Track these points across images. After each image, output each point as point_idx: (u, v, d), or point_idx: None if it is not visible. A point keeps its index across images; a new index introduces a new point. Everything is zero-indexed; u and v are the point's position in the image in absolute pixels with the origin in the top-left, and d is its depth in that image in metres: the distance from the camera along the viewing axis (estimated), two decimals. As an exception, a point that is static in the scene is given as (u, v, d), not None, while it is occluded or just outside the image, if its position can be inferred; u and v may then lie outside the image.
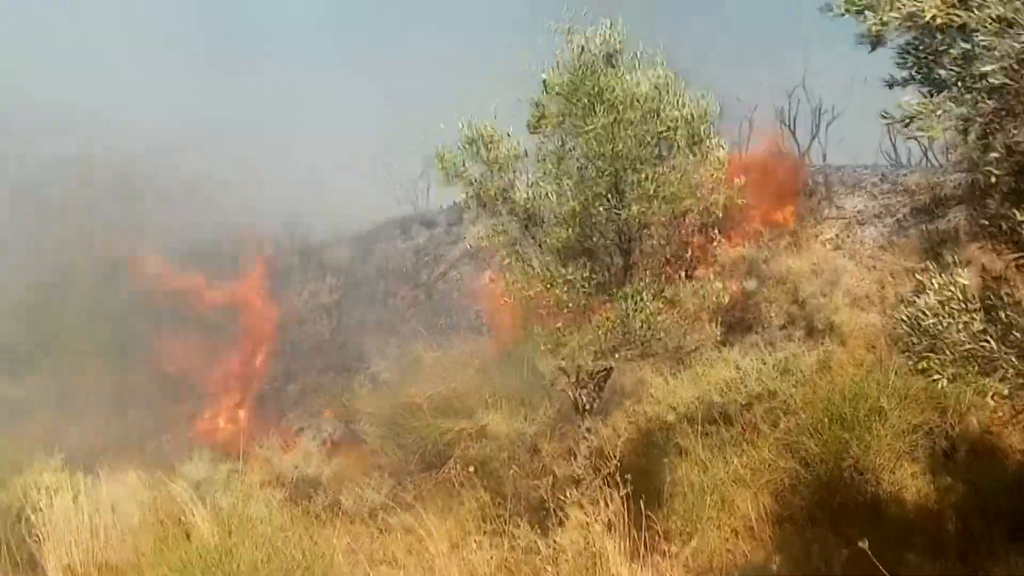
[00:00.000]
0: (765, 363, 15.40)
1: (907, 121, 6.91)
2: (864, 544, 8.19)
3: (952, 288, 7.38)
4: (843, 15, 7.05)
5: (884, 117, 7.07)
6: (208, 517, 11.13)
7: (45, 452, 13.85)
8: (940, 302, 7.39)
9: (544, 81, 10.99)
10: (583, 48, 10.92)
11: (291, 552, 10.73)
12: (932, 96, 6.98)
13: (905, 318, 7.60)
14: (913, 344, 7.55)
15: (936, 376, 7.44)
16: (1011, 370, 7.18)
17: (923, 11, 6.53)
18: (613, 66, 10.89)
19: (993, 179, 7.29)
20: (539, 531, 11.22)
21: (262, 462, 17.50)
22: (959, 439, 13.00)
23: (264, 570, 10.40)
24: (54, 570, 11.58)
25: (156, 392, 25.59)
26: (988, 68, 6.36)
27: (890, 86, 7.44)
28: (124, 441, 22.36)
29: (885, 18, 6.77)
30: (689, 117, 10.91)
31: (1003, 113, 6.79)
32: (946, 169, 21.56)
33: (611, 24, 10.95)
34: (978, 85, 6.58)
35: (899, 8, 6.66)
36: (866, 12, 6.87)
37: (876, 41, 7.17)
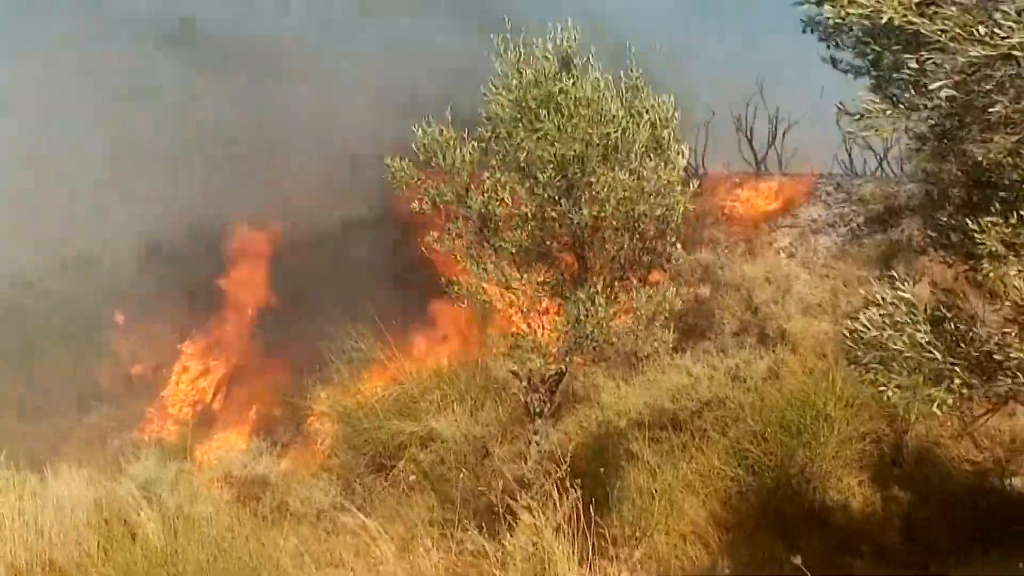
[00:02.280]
0: (716, 370, 15.46)
1: (859, 116, 6.97)
2: (797, 560, 8.24)
3: (898, 301, 7.44)
4: (802, 3, 7.11)
5: (839, 108, 7.11)
6: (154, 517, 11.05)
7: (-7, 451, 13.71)
8: (885, 315, 7.45)
9: (489, 99, 10.99)
10: (530, 54, 10.92)
11: (237, 553, 10.67)
12: (886, 97, 7.03)
13: (849, 331, 7.67)
14: (859, 357, 7.62)
15: (883, 387, 7.50)
16: (957, 380, 7.25)
17: (882, 12, 6.57)
18: (568, 69, 10.89)
19: (946, 191, 7.37)
20: (488, 535, 11.19)
21: (210, 462, 17.40)
22: (906, 448, 13.10)
23: (210, 571, 10.34)
24: (-2, 569, 11.46)
25: (115, 390, 25.45)
26: (936, 85, 6.41)
27: (849, 73, 7.50)
28: (78, 440, 22.25)
29: (843, 13, 6.82)
30: (648, 121, 10.92)
31: (955, 126, 6.85)
32: (900, 180, 21.76)
33: (562, 28, 10.95)
34: (931, 100, 6.63)
35: (858, 4, 6.70)
36: (825, 4, 6.91)
37: (832, 36, 7.25)
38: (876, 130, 6.99)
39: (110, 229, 28.48)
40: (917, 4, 6.47)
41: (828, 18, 6.98)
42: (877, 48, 7.15)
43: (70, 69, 30.34)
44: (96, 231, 28.52)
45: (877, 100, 6.98)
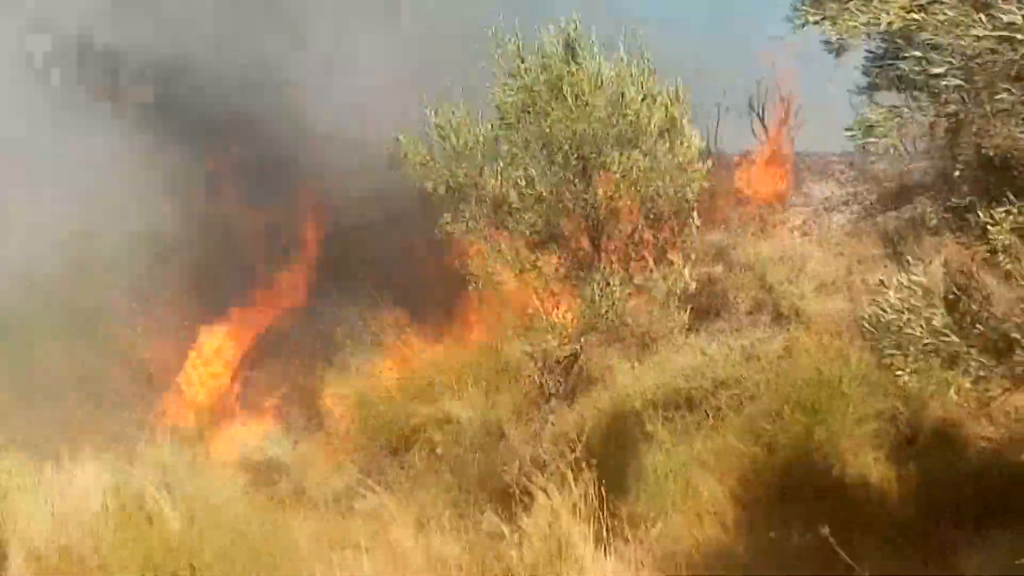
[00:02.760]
0: (731, 349, 15.45)
1: (866, 130, 6.97)
2: (826, 531, 8.24)
3: (913, 285, 7.43)
4: (803, 26, 7.09)
5: (848, 131, 7.13)
6: (171, 503, 11.09)
7: (8, 437, 13.76)
8: (901, 299, 7.44)
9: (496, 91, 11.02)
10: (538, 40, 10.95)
11: (254, 537, 10.71)
12: (898, 100, 7.04)
13: (867, 315, 7.65)
14: (877, 341, 7.61)
15: (899, 372, 7.50)
16: (973, 363, 7.23)
17: (879, 19, 6.56)
18: (574, 53, 10.90)
19: (957, 174, 7.34)
20: (504, 516, 11.22)
21: (227, 447, 17.46)
22: (922, 426, 13.07)
23: (227, 555, 10.37)
24: (16, 556, 11.51)
25: (125, 376, 25.47)
26: (938, 70, 6.39)
27: (858, 94, 7.49)
28: (92, 425, 22.27)
29: (845, 28, 6.81)
30: (664, 101, 10.94)
31: (964, 114, 6.82)
32: (914, 157, 21.67)
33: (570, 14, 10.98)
34: (940, 88, 6.61)
35: (857, 17, 6.70)
36: (825, 22, 6.90)
37: (840, 49, 7.23)
38: (884, 138, 7.00)
39: (119, 218, 28.46)
40: (916, 6, 6.46)
41: (833, 37, 6.98)
42: (880, 56, 7.16)
43: (69, 55, 30.29)
44: (104, 221, 28.50)
45: (880, 109, 6.99)
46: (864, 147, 7.18)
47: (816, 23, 6.97)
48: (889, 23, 6.51)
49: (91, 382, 24.98)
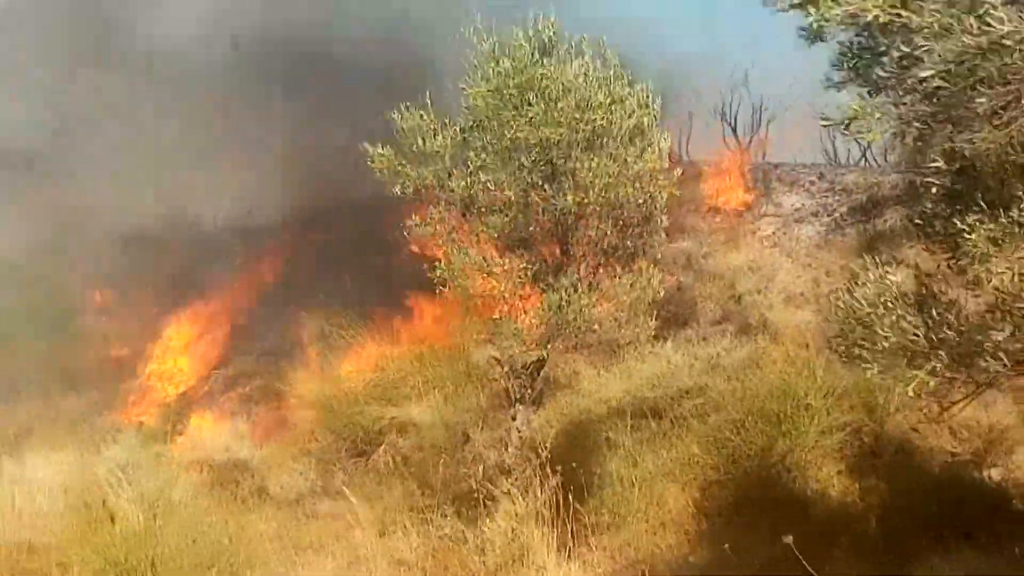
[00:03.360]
0: (696, 358, 15.48)
1: (846, 123, 6.94)
2: (789, 540, 8.26)
3: (886, 282, 7.46)
4: (787, 10, 7.05)
5: (823, 119, 7.09)
6: (133, 500, 11.04)
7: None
8: (875, 294, 7.47)
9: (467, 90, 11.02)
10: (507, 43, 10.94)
11: (216, 536, 10.67)
12: (871, 96, 7.00)
13: (841, 306, 7.67)
14: (847, 333, 7.63)
15: (866, 366, 7.52)
16: (939, 365, 7.26)
17: (866, 10, 6.54)
18: (548, 55, 10.89)
19: (929, 181, 7.36)
20: (468, 520, 11.22)
21: (190, 446, 17.37)
22: (886, 438, 13.12)
23: (188, 553, 10.33)
24: (-25, 550, 11.43)
25: (94, 373, 25.32)
26: (926, 73, 6.39)
27: (828, 88, 7.47)
28: (58, 422, 22.15)
29: (827, 15, 6.79)
30: (630, 107, 10.94)
31: (940, 116, 6.83)
32: (884, 170, 21.77)
33: (542, 15, 10.96)
34: (917, 88, 6.61)
35: (842, 5, 6.68)
36: (808, 7, 6.87)
37: (816, 37, 7.20)
38: (864, 133, 6.97)
39: (90, 211, 28.31)
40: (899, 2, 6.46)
41: (812, 21, 6.95)
42: (861, 52, 7.14)
43: (53, 50, 30.15)
44: (76, 213, 28.35)
45: (864, 103, 6.96)
46: (835, 145, 7.18)
47: (797, 6, 6.95)
48: (875, 16, 6.50)
49: (58, 376, 24.84)
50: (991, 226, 6.64)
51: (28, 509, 11.79)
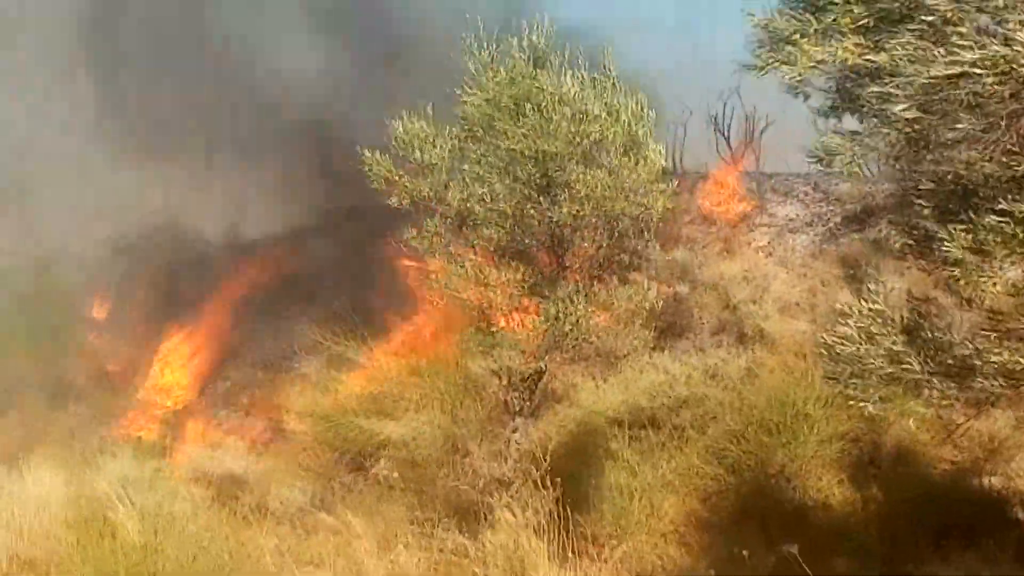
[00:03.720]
0: (694, 368, 15.50)
1: (829, 160, 7.02)
2: (794, 549, 8.27)
3: (871, 314, 7.47)
4: (763, 72, 7.14)
5: (809, 157, 7.19)
6: (132, 515, 11.00)
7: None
8: (861, 328, 7.47)
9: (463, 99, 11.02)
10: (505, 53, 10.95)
11: (217, 552, 10.64)
12: (857, 127, 7.10)
13: (826, 347, 7.69)
14: (837, 373, 7.65)
15: (862, 404, 7.54)
16: (935, 391, 7.28)
17: (836, 57, 6.63)
18: (541, 68, 10.89)
19: (920, 203, 7.41)
20: (468, 533, 11.20)
21: (188, 461, 17.34)
22: (884, 448, 13.14)
23: (189, 570, 10.30)
24: (-25, 567, 11.40)
25: (91, 387, 25.29)
26: (900, 107, 6.45)
27: (819, 116, 7.54)
28: (56, 436, 22.11)
29: (800, 69, 6.88)
30: (625, 120, 10.95)
31: (922, 144, 6.89)
32: (877, 180, 21.81)
33: (537, 27, 10.96)
34: (896, 124, 6.68)
35: (812, 57, 6.76)
36: (783, 67, 6.96)
37: (803, 93, 7.30)
38: (844, 168, 7.07)
39: (82, 225, 28.30)
40: (871, 44, 6.52)
41: (792, 78, 7.03)
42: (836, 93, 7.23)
43: (40, 64, 30.15)
44: (68, 227, 28.34)
45: (840, 139, 7.05)
46: (825, 172, 7.28)
47: (775, 67, 7.03)
48: (844, 59, 6.58)
49: (54, 390, 24.82)
50: (973, 235, 6.67)
51: (28, 525, 11.74)
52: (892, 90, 6.44)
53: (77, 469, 14.11)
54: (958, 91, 6.24)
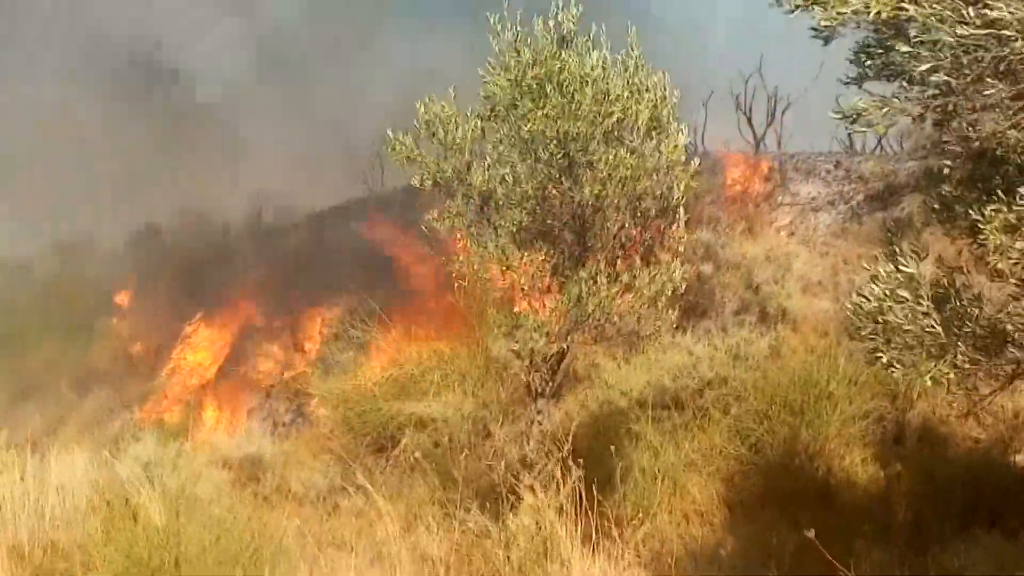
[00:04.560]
0: (717, 349, 15.45)
1: (855, 117, 6.92)
2: (811, 534, 8.21)
3: (900, 276, 7.41)
4: (793, 11, 7.02)
5: (834, 114, 7.07)
6: (155, 498, 11.01)
7: (-8, 429, 13.69)
8: (888, 289, 7.42)
9: (486, 79, 10.98)
10: (529, 33, 10.89)
11: (239, 534, 10.64)
12: (887, 91, 6.98)
13: (852, 304, 7.64)
14: (861, 330, 7.59)
15: (884, 361, 7.48)
16: (961, 357, 7.21)
17: (869, 7, 6.52)
18: (567, 48, 10.83)
19: (947, 169, 7.32)
20: (491, 515, 11.17)
21: (210, 444, 17.39)
22: (909, 426, 13.08)
23: (212, 552, 10.30)
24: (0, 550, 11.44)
25: (115, 371, 25.45)
26: (925, 66, 6.37)
27: (847, 84, 7.43)
28: (79, 421, 22.26)
29: (834, 14, 6.77)
30: (649, 100, 10.88)
31: (951, 107, 6.80)
32: (900, 157, 21.70)
33: (562, 6, 10.89)
34: (926, 81, 6.58)
35: (847, 3, 6.66)
36: (814, 7, 6.85)
37: (828, 36, 7.18)
38: (873, 126, 6.95)
39: (105, 211, 28.48)
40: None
41: (821, 21, 6.93)
42: (869, 46, 7.11)
43: (63, 51, 30.32)
44: (91, 214, 28.53)
45: (870, 98, 6.94)
46: (850, 134, 7.18)
47: (804, 8, 6.92)
48: (877, 12, 6.47)
49: (77, 375, 24.98)
50: (1009, 215, 6.59)
51: (51, 508, 11.78)
52: (922, 50, 6.37)
53: (100, 453, 14.16)
54: (987, 53, 6.16)
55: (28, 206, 28.75)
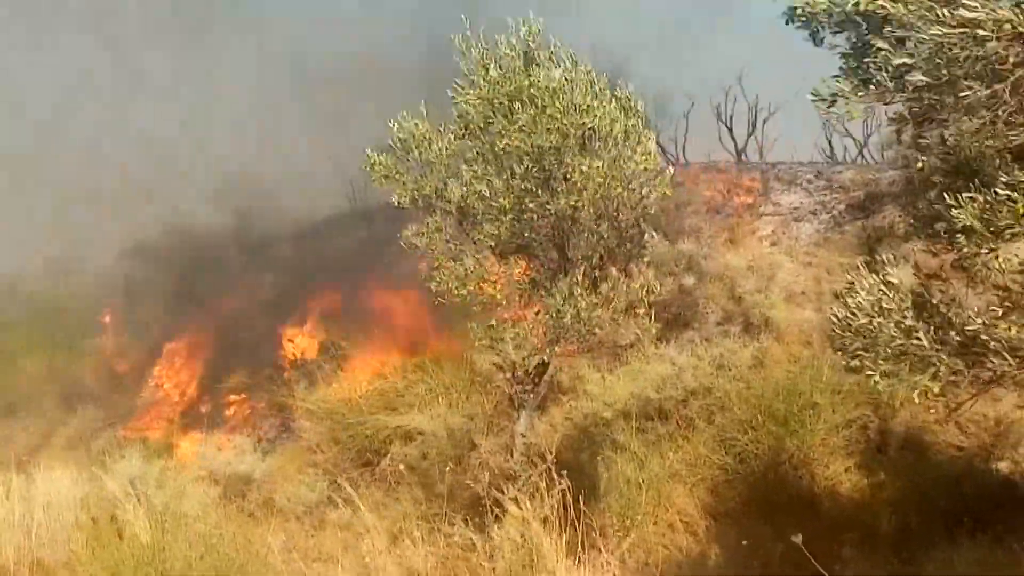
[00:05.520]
0: (701, 359, 15.48)
1: (832, 100, 6.96)
2: (798, 539, 8.24)
3: (883, 287, 7.44)
4: None
5: (813, 95, 7.11)
6: (141, 515, 11.01)
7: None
8: (871, 302, 7.45)
9: (457, 98, 11.03)
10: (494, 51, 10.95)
11: (225, 550, 10.63)
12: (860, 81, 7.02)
13: (837, 317, 7.67)
14: (846, 344, 7.62)
15: (869, 373, 7.50)
16: (943, 367, 7.25)
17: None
18: (535, 64, 10.88)
19: (928, 175, 7.37)
20: (476, 527, 11.18)
21: (196, 459, 17.37)
22: (892, 434, 13.13)
23: (198, 568, 10.30)
24: (-15, 569, 11.42)
25: (101, 388, 25.40)
26: (900, 60, 6.41)
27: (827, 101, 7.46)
28: (64, 438, 22.23)
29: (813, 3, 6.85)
30: (616, 110, 10.93)
31: (930, 109, 6.85)
32: (881, 166, 21.80)
33: (523, 22, 10.95)
34: (904, 81, 6.63)
35: None
36: None
37: (802, 22, 7.22)
38: (849, 113, 6.98)
39: (91, 230, 28.48)
40: None
41: (802, 4, 6.97)
42: (850, 35, 7.14)
43: (52, 71, 30.38)
44: (77, 232, 28.53)
45: (849, 83, 6.97)
46: (831, 142, 7.20)
47: None
48: (855, 3, 6.52)
49: (62, 392, 24.94)
50: (982, 206, 6.63)
51: (37, 525, 11.77)
52: (899, 49, 6.40)
53: (86, 469, 14.14)
54: (962, 53, 6.20)
55: (15, 221, 28.75)
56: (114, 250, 28.82)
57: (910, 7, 6.26)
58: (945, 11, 6.15)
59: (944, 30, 6.15)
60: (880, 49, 6.60)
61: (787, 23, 7.43)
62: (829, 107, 7.00)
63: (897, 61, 6.40)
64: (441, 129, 11.21)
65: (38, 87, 31.00)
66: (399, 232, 11.84)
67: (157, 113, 33.66)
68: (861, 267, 7.76)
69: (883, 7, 6.45)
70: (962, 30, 6.11)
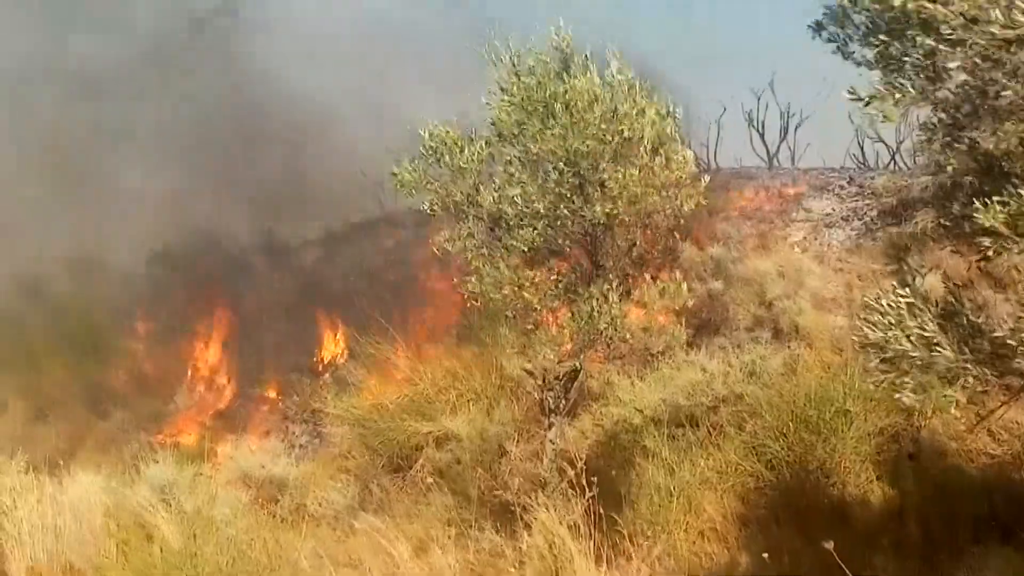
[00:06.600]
0: (731, 365, 15.44)
1: (868, 100, 6.90)
2: (829, 545, 8.22)
3: (903, 303, 7.38)
4: None
5: (850, 93, 7.05)
6: (171, 519, 11.08)
7: (10, 454, 13.74)
8: (894, 320, 7.38)
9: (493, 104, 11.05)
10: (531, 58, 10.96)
11: (256, 555, 10.69)
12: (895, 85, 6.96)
13: (859, 338, 7.60)
14: (872, 364, 7.56)
15: (897, 392, 7.44)
16: (971, 377, 7.19)
17: None
18: (568, 70, 10.89)
19: (956, 181, 7.32)
20: (505, 534, 11.20)
21: (228, 465, 17.44)
22: (924, 442, 13.05)
23: (228, 573, 10.36)
24: (17, 572, 11.50)
25: (131, 393, 25.47)
26: (953, 64, 6.35)
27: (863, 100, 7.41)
28: (96, 442, 22.31)
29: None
30: (652, 116, 10.91)
31: (967, 112, 6.80)
32: (913, 172, 21.67)
33: (557, 29, 10.97)
34: (942, 83, 6.58)
35: None
36: None
37: (841, 25, 7.18)
38: (884, 114, 6.93)
39: (117, 232, 28.54)
40: None
41: (838, 5, 6.93)
42: (885, 38, 7.06)
43: (73, 66, 30.47)
44: (103, 234, 28.58)
45: (886, 85, 6.92)
46: (862, 148, 7.14)
47: None
48: (902, 3, 6.46)
49: (97, 396, 25.04)
50: (1009, 210, 6.57)
51: (68, 530, 11.84)
52: (945, 48, 6.36)
53: (117, 475, 14.22)
54: (1010, 58, 6.15)
55: (39, 223, 28.85)
56: (140, 252, 28.86)
57: (960, 8, 6.20)
58: (998, 14, 6.09)
59: (998, 33, 6.09)
60: (925, 48, 6.54)
61: (814, 37, 7.40)
62: (866, 105, 6.93)
63: (951, 64, 6.34)
64: (472, 136, 11.22)
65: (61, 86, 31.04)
66: (429, 237, 11.88)
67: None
68: (886, 278, 7.71)
69: (926, 8, 6.39)
70: (1011, 33, 6.06)
